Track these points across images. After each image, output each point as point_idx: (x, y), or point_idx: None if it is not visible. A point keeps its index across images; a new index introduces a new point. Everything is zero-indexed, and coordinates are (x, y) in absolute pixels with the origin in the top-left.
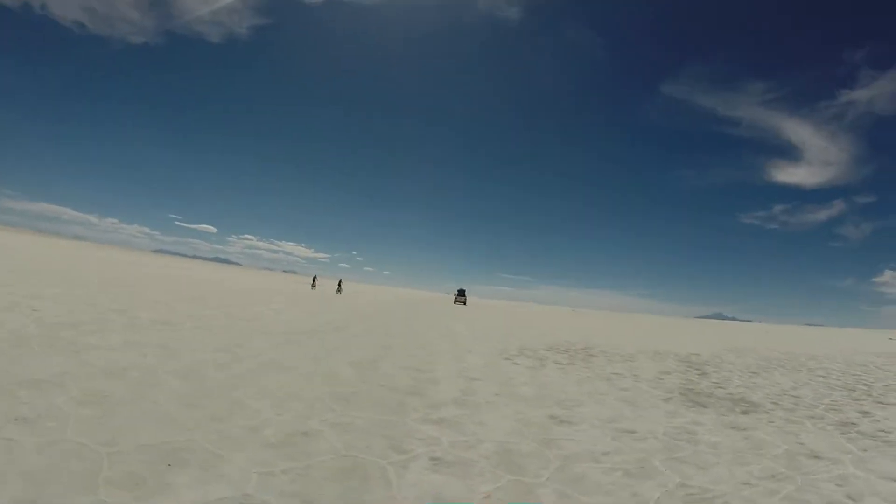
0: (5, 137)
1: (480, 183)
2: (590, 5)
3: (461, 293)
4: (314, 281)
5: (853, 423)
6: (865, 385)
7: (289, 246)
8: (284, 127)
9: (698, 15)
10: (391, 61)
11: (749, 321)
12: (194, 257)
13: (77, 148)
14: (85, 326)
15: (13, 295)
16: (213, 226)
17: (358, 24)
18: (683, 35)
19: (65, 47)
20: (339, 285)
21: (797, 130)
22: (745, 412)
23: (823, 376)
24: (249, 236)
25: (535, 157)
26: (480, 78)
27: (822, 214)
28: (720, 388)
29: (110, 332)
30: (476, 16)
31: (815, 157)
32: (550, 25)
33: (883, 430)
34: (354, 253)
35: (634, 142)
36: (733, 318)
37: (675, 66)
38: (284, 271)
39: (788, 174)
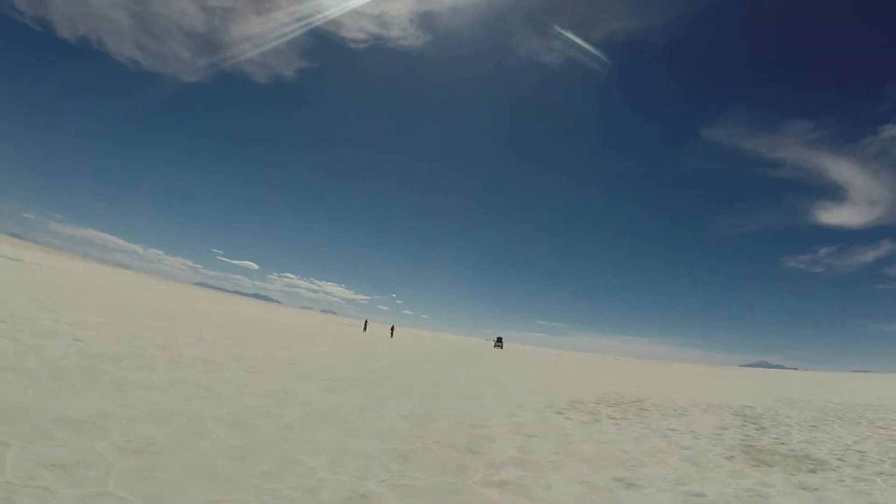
0: (57, 164)
1: (519, 229)
2: (627, 54)
3: (499, 340)
4: (365, 325)
5: None
6: None
7: (329, 286)
8: (328, 168)
9: (737, 58)
10: (433, 105)
11: (795, 369)
12: (235, 292)
13: (126, 179)
14: (128, 361)
15: (56, 322)
16: (255, 262)
17: (401, 68)
18: (723, 79)
19: (119, 82)
20: (392, 330)
21: (841, 169)
22: (812, 470)
23: (885, 428)
24: (290, 275)
25: (573, 205)
26: (520, 124)
27: (869, 255)
28: (781, 444)
29: (154, 370)
30: (517, 61)
31: (859, 195)
32: (590, 73)
33: None
34: (394, 296)
35: (675, 188)
36: (779, 366)
37: (715, 110)
38: (323, 311)
39: (833, 215)
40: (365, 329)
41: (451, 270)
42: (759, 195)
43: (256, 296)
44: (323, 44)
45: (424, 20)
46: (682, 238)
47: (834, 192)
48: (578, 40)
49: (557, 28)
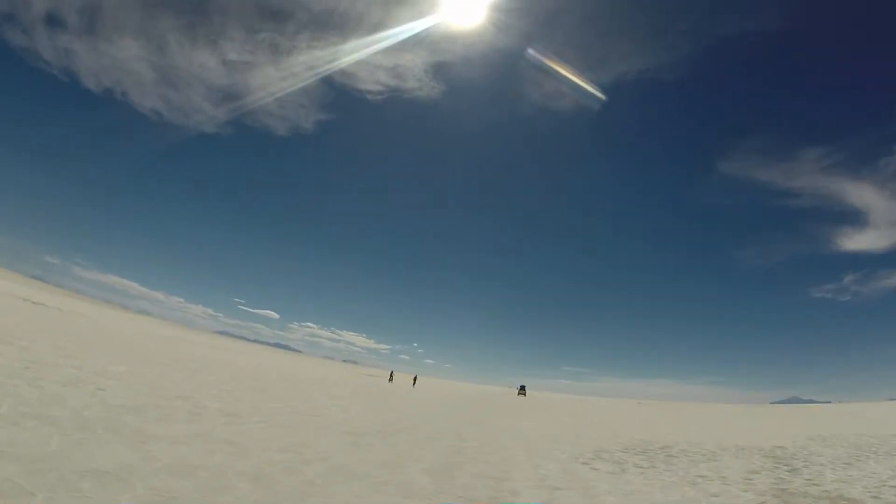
0: (81, 210)
1: (539, 275)
2: (637, 94)
3: (522, 388)
4: (391, 376)
5: None
6: None
7: (350, 335)
8: (346, 217)
9: (748, 90)
10: (449, 153)
11: (827, 402)
12: (255, 341)
13: (147, 226)
14: (150, 412)
15: (79, 370)
16: (275, 311)
17: (417, 117)
18: (734, 111)
19: (142, 132)
20: (415, 380)
21: (859, 193)
22: None
23: None
24: (311, 324)
25: (593, 248)
26: (535, 168)
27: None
28: (814, 485)
29: (176, 422)
30: (529, 108)
31: (881, 218)
32: (601, 114)
33: None
34: (415, 345)
35: (695, 224)
36: (810, 401)
37: (729, 144)
38: (344, 361)
39: (855, 241)
40: (391, 380)
41: (472, 319)
42: (779, 226)
43: (277, 345)
44: (340, 96)
45: (438, 71)
46: (704, 274)
47: (855, 217)
48: (587, 85)
49: (566, 73)
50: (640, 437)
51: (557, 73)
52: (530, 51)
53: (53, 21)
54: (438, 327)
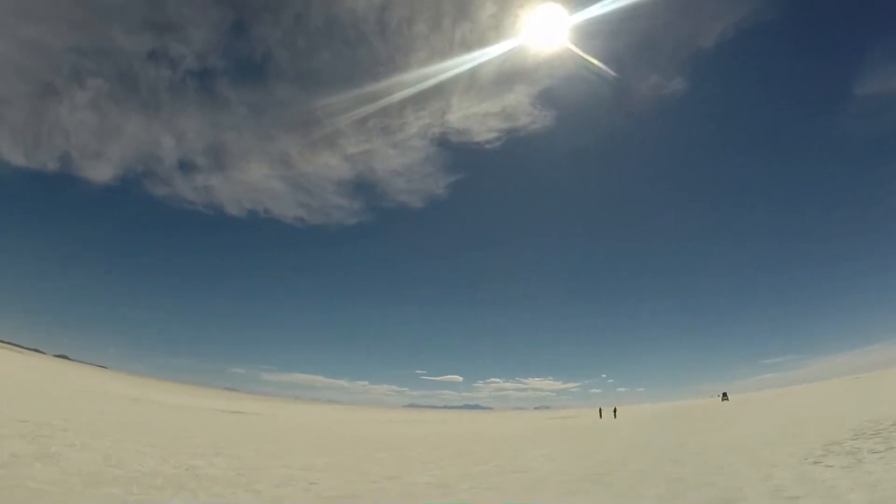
0: (254, 323)
1: (716, 270)
2: (743, 46)
3: (724, 395)
4: (600, 412)
5: None
6: None
7: (535, 382)
8: (506, 269)
9: None
10: (582, 174)
11: None
12: (444, 407)
13: (319, 322)
14: (361, 499)
15: (288, 468)
16: (458, 375)
17: (539, 148)
18: (863, 13)
19: (291, 240)
20: (615, 412)
21: None
22: None
23: None
24: (496, 379)
25: (777, 225)
26: (679, 155)
27: None
28: None
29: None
30: (642, 101)
31: None
32: (717, 77)
33: None
34: (604, 376)
35: (838, 161)
36: None
37: (859, 61)
38: (536, 408)
39: None
40: (601, 416)
41: (654, 336)
42: None
43: (466, 406)
44: (461, 154)
45: (544, 98)
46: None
47: None
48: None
49: (671, 51)
50: (868, 417)
51: (661, 55)
52: (626, 44)
53: (186, 167)
54: (624, 353)
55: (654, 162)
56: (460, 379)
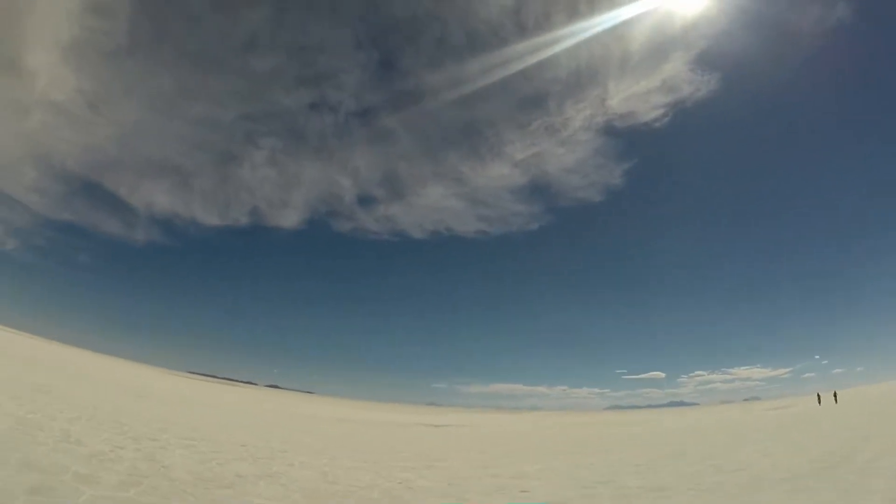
0: (455, 339)
1: None
2: None
3: None
4: (819, 398)
5: None
6: None
7: (742, 371)
8: (696, 251)
9: None
10: (765, 136)
11: None
12: (648, 406)
13: (514, 330)
14: (575, 503)
15: (497, 477)
16: (661, 371)
17: (712, 116)
18: None
19: (476, 255)
20: (835, 396)
21: None
22: None
23: None
24: (700, 372)
25: None
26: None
27: None
28: None
29: None
30: (806, 36)
31: None
32: None
33: None
34: (817, 357)
35: None
36: None
37: None
38: (745, 400)
39: None
40: (819, 402)
41: (879, 305)
42: None
43: (670, 404)
44: (630, 139)
45: (702, 61)
46: None
47: None
48: None
49: None
50: None
51: None
52: None
53: (365, 201)
54: (839, 330)
55: (839, 105)
56: (663, 375)
